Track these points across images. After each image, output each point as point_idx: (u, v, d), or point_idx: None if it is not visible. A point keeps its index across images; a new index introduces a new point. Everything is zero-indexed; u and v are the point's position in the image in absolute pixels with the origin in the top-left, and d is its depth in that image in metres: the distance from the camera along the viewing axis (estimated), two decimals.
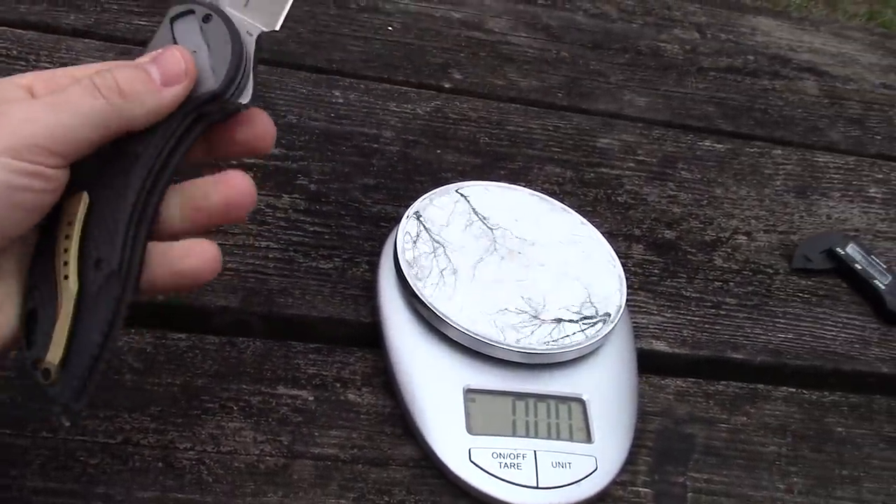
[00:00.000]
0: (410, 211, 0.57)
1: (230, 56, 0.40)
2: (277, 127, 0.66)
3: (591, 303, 0.56)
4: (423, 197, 0.59)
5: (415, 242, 0.55)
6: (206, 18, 0.41)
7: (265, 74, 0.71)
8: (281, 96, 0.70)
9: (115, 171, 0.39)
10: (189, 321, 0.54)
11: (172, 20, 0.42)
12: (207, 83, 0.40)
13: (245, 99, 0.42)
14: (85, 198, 0.38)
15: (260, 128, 0.44)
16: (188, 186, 0.42)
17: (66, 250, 0.37)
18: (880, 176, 0.81)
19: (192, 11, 0.41)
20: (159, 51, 0.40)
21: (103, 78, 0.38)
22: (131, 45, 0.70)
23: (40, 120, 0.36)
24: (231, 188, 0.41)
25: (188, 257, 0.40)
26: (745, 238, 0.71)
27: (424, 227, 0.57)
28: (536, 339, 0.53)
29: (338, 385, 0.53)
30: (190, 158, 0.42)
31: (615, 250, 0.59)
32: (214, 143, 0.44)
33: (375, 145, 0.68)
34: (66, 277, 0.37)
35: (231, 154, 0.45)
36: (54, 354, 0.36)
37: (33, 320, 0.38)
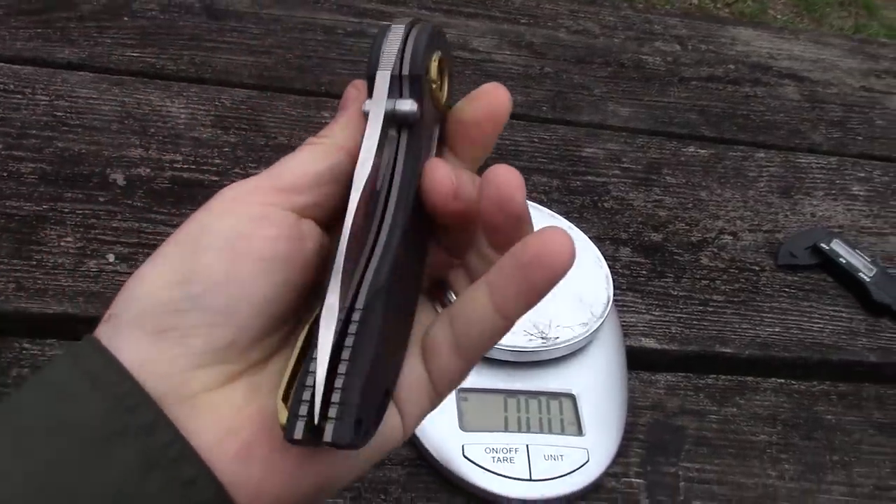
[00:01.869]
0: None
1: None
2: (268, 149, 0.69)
3: (580, 301, 0.57)
4: None
5: None
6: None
7: (255, 99, 0.73)
8: (271, 119, 0.72)
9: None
10: None
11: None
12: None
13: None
14: None
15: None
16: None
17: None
18: (862, 174, 0.82)
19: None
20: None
21: None
22: (125, 75, 0.72)
23: (271, 170, 0.30)
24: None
25: None
26: (730, 238, 0.72)
27: None
28: (526, 338, 0.54)
29: None
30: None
31: (603, 253, 0.61)
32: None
33: None
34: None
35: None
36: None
37: None
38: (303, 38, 0.81)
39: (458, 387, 0.51)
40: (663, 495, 0.53)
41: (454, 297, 0.33)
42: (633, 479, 0.53)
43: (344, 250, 0.28)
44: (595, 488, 0.52)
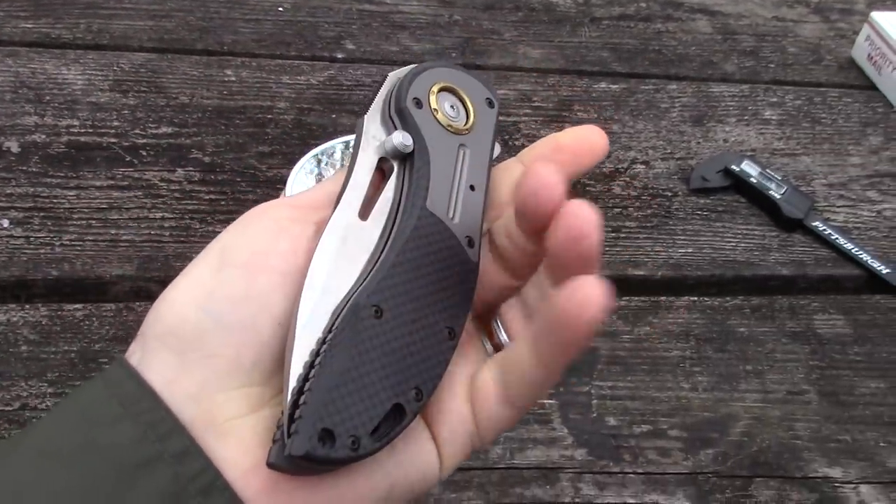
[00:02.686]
0: (307, 156, 0.58)
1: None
2: (169, 109, 0.68)
3: None
4: (316, 149, 0.59)
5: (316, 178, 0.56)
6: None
7: (155, 62, 0.72)
8: (172, 80, 0.71)
9: None
10: (84, 293, 0.54)
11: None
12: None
13: None
14: None
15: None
16: None
17: None
18: (775, 99, 0.83)
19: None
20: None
21: None
22: (18, 46, 0.70)
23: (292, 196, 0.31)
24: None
25: None
26: (643, 167, 0.72)
27: (321, 166, 0.57)
28: None
29: None
30: None
31: None
32: None
33: (269, 116, 0.69)
34: None
35: None
36: None
37: None
38: (204, 1, 0.80)
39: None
40: (576, 413, 0.53)
41: (503, 334, 0.31)
42: (545, 400, 0.53)
43: (316, 268, 0.29)
44: None
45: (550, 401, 0.53)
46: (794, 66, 0.88)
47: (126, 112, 0.67)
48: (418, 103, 0.32)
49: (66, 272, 0.54)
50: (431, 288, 0.30)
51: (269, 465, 0.26)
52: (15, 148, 0.62)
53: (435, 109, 0.32)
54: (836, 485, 0.52)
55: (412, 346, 0.29)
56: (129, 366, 0.27)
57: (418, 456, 0.29)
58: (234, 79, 0.72)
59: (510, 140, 0.72)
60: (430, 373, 0.29)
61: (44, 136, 0.63)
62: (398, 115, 0.32)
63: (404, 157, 0.32)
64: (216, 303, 0.28)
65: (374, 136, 0.32)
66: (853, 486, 0.52)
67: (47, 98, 0.67)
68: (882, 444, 0.55)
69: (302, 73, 0.74)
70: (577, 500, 0.49)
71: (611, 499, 0.49)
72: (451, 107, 0.33)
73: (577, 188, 0.69)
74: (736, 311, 0.62)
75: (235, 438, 0.27)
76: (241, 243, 0.29)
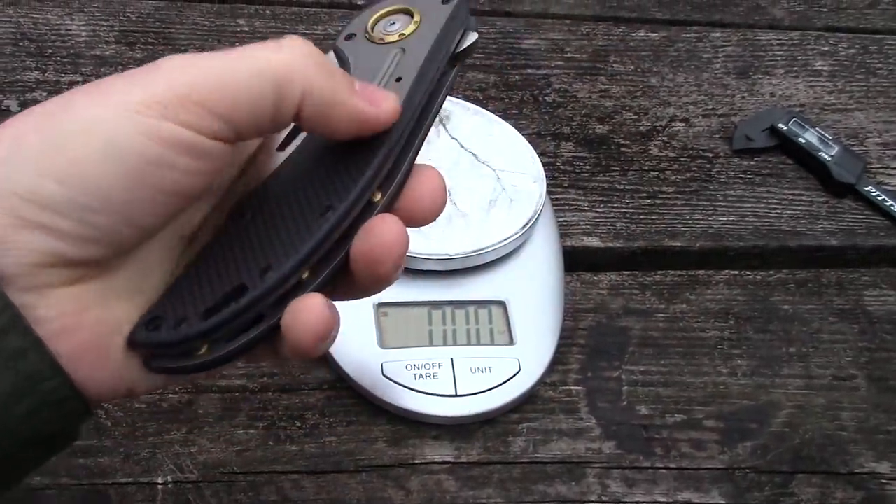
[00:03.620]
0: None
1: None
2: None
3: (510, 200, 0.53)
4: None
5: None
6: None
7: (164, 11, 0.68)
8: (181, 31, 0.67)
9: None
10: None
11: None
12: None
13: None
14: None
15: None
16: None
17: None
18: (826, 48, 0.77)
19: None
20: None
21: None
22: None
23: (204, 66, 0.27)
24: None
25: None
26: (682, 125, 0.67)
27: None
28: (451, 245, 0.50)
29: None
30: None
31: (543, 150, 0.57)
32: None
33: None
34: None
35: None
36: None
37: None
38: None
39: (378, 301, 0.47)
40: (604, 401, 0.50)
41: None
42: (571, 387, 0.50)
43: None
44: (529, 399, 0.48)
45: (577, 388, 0.50)
46: (848, 11, 0.82)
47: (133, 66, 0.63)
48: (349, 37, 0.34)
49: None
50: (320, 172, 0.30)
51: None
52: (15, 107, 0.59)
53: (368, 33, 0.34)
54: (884, 481, 0.48)
55: (276, 232, 0.28)
56: None
57: None
58: (247, 29, 0.68)
59: (540, 95, 0.67)
60: (287, 251, 0.27)
61: (45, 94, 0.60)
62: (335, 55, 0.34)
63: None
64: (67, 184, 0.25)
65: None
66: None
67: (49, 51, 0.63)
68: None
69: (319, 21, 0.70)
70: (604, 498, 0.46)
71: (640, 497, 0.46)
72: (392, 23, 0.34)
73: (612, 149, 0.64)
74: (780, 287, 0.57)
75: (54, 302, 0.26)
76: (86, 115, 0.26)
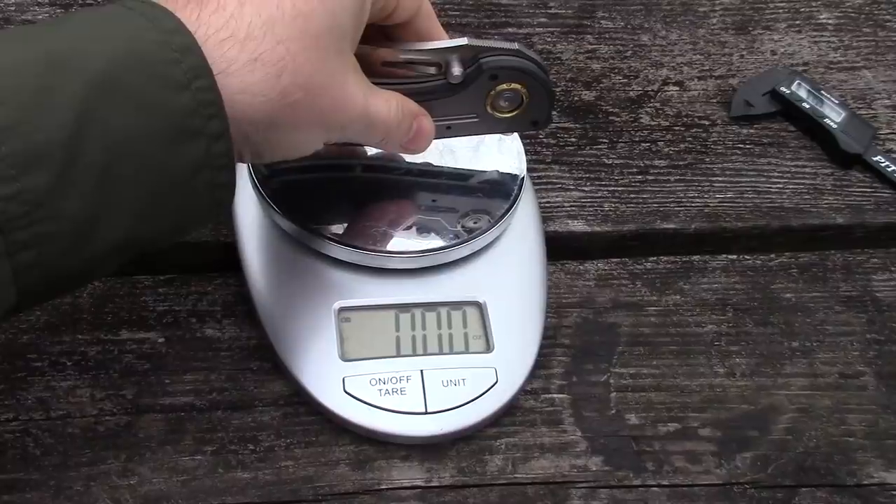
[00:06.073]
0: None
1: None
2: None
3: (485, 184, 0.48)
4: None
5: None
6: None
7: None
8: None
9: None
10: None
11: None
12: None
13: None
14: None
15: None
16: None
17: None
18: None
19: None
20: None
21: None
22: None
23: None
24: None
25: None
26: (676, 89, 0.62)
27: None
28: (419, 240, 0.45)
29: (193, 320, 0.45)
30: None
31: None
32: None
33: None
34: None
35: None
36: None
37: None
38: None
39: (339, 306, 0.42)
40: (591, 410, 0.45)
41: None
42: (554, 395, 0.45)
43: None
44: (508, 412, 0.44)
45: (561, 395, 0.45)
46: None
47: None
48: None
49: None
50: None
51: None
52: None
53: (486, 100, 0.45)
54: (895, 493, 0.44)
55: None
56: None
57: None
58: None
59: None
60: None
61: None
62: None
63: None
64: None
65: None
66: None
67: None
68: None
69: None
70: None
71: None
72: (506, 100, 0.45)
73: (599, 118, 0.59)
74: (781, 273, 0.53)
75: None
76: None
